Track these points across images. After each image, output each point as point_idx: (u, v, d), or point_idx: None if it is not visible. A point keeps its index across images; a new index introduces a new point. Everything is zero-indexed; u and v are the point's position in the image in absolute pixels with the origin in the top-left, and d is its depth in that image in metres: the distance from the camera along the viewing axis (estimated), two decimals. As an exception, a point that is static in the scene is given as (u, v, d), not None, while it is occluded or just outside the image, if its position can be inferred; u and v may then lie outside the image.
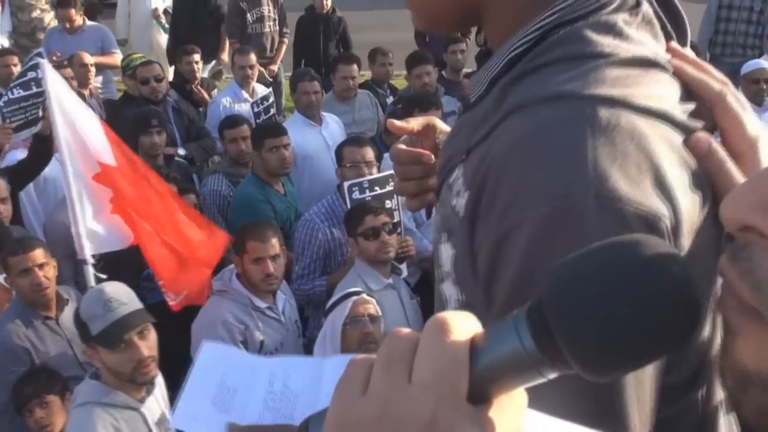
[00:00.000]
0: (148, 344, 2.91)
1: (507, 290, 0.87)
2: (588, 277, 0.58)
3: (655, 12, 1.00)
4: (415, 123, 1.30)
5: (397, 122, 1.30)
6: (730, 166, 0.89)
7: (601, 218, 0.82)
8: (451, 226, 0.99)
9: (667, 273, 0.57)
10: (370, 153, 4.57)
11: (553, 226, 0.83)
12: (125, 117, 5.60)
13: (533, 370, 0.59)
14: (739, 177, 0.88)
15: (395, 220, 4.27)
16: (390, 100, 6.71)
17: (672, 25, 1.01)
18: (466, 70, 6.98)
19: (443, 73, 6.97)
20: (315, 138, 5.66)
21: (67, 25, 7.51)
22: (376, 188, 4.29)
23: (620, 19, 0.94)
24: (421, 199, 1.30)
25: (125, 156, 3.96)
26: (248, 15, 8.08)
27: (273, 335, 3.72)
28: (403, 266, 4.26)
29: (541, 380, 0.59)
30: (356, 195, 4.25)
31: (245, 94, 6.43)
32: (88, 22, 7.72)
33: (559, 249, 0.72)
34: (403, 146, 1.29)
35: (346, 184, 4.23)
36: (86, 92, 6.34)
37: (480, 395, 0.59)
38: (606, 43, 0.92)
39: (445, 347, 0.58)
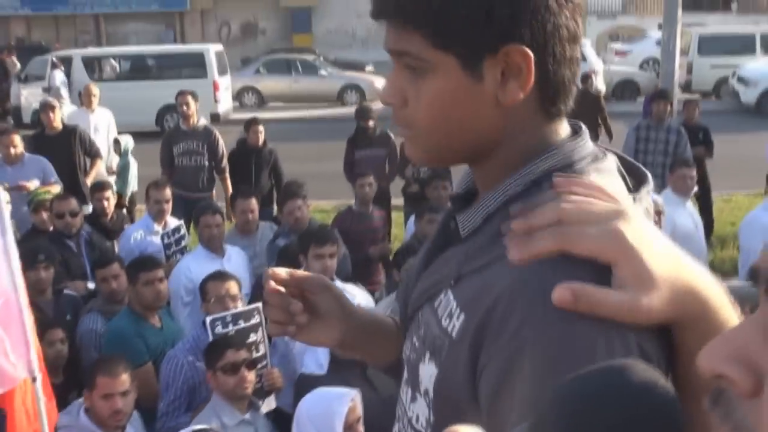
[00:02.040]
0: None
1: (519, 406, 0.94)
2: (585, 397, 0.70)
3: (618, 167, 1.15)
4: (297, 277, 1.34)
5: (279, 274, 1.32)
6: (602, 296, 0.95)
7: (607, 340, 0.94)
8: (437, 346, 1.09)
9: (650, 395, 0.70)
10: (234, 287, 4.63)
11: (565, 344, 0.93)
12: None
13: None
14: (615, 297, 0.95)
15: (260, 353, 4.29)
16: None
17: (631, 176, 1.16)
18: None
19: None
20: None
21: (11, 152, 7.49)
22: (240, 322, 4.31)
23: (592, 169, 1.10)
24: (284, 329, 1.33)
25: None
26: (174, 148, 8.31)
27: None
28: (271, 398, 4.26)
29: None
30: (219, 329, 4.25)
31: (157, 227, 6.51)
32: (27, 154, 7.81)
33: (566, 365, 0.87)
34: (273, 285, 1.30)
35: (208, 319, 4.24)
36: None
37: None
38: None
39: None
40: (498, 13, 1.06)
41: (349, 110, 18.47)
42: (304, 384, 4.26)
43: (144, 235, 6.43)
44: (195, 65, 18.95)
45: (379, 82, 23.03)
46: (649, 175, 1.18)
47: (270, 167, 8.70)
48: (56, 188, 7.46)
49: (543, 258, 0.98)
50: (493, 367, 0.99)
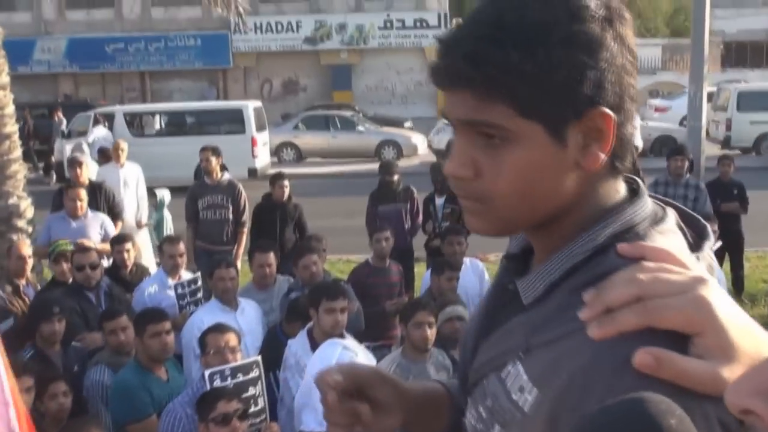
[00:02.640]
0: None
1: None
2: (604, 425, 0.81)
3: (678, 222, 1.13)
4: (353, 374, 1.27)
5: (334, 379, 1.24)
6: (686, 365, 0.94)
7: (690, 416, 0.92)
8: (506, 419, 1.08)
9: (666, 422, 0.79)
10: (233, 339, 4.63)
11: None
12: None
13: None
14: (698, 365, 0.94)
15: (258, 407, 4.26)
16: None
17: (690, 228, 1.15)
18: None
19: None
20: (229, 324, 5.74)
21: (77, 205, 7.53)
22: (239, 375, 4.31)
23: (655, 231, 1.08)
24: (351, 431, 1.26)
25: None
26: (199, 201, 8.43)
27: None
28: None
29: None
30: (218, 382, 4.25)
31: (171, 281, 6.52)
32: (90, 210, 7.86)
33: None
34: (333, 397, 1.23)
35: (207, 372, 4.25)
36: (22, 282, 6.53)
37: None
38: None
39: None
40: (588, 77, 1.04)
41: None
42: None
43: (158, 289, 6.46)
44: (234, 121, 19.33)
45: (417, 138, 23.22)
46: (709, 228, 1.16)
47: (294, 222, 8.77)
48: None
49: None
50: None
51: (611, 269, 1.03)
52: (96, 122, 18.85)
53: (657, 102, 27.55)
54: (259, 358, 4.59)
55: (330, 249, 7.84)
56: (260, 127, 19.71)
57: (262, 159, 19.75)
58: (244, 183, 9.25)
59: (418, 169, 19.72)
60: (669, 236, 1.08)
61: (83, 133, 18.81)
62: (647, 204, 1.12)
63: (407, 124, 26.90)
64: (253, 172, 18.60)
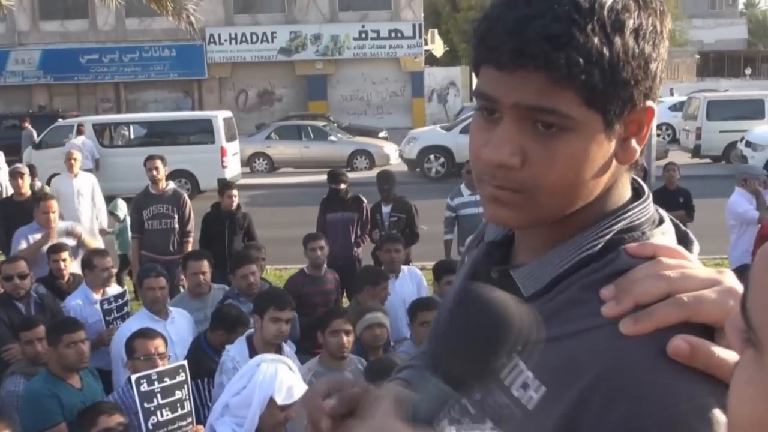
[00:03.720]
0: None
1: None
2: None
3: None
4: (337, 401, 1.13)
5: (323, 405, 1.12)
6: (719, 354, 0.94)
7: (722, 412, 0.90)
8: (503, 415, 1.04)
9: (489, 310, 0.93)
10: (161, 345, 4.62)
11: (682, 427, 0.91)
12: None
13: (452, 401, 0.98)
14: (732, 356, 0.92)
15: (185, 410, 4.29)
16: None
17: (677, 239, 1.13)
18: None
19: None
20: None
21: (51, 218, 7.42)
22: (166, 380, 4.31)
23: (658, 231, 1.08)
24: None
25: None
26: (144, 212, 8.39)
27: None
28: None
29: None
30: (144, 387, 4.24)
31: (95, 296, 6.39)
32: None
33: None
34: (329, 426, 1.11)
35: (133, 377, 4.23)
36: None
37: None
38: None
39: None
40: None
41: (358, 175, 18.76)
42: None
43: (83, 305, 6.31)
44: (203, 131, 19.28)
45: (389, 148, 23.26)
46: (691, 235, 1.15)
47: (244, 231, 8.75)
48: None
49: (639, 337, 0.95)
50: None
51: (627, 266, 1.01)
52: (79, 132, 18.73)
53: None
54: (184, 362, 4.59)
55: (301, 259, 7.87)
56: (230, 138, 19.66)
57: (232, 169, 19.69)
58: (214, 193, 9.19)
59: (389, 178, 19.86)
60: (669, 237, 1.09)
61: (54, 145, 18.65)
62: (650, 204, 1.11)
63: (382, 134, 26.94)
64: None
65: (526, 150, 1.03)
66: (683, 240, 1.12)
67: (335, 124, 26.62)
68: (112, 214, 10.20)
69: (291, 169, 23.31)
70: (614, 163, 1.07)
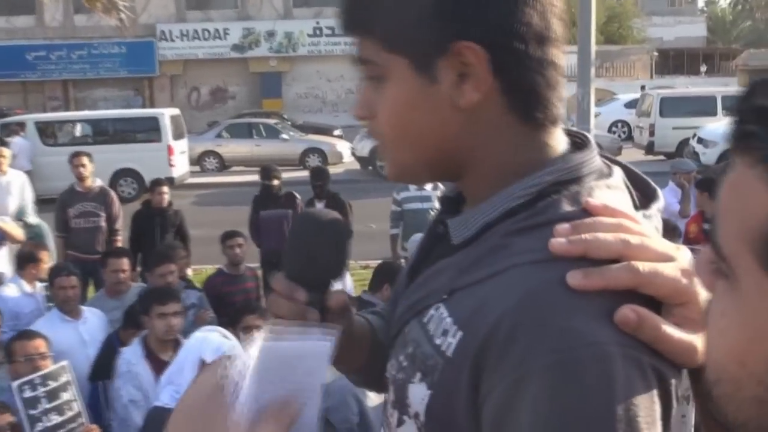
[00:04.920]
0: None
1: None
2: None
3: (624, 180, 1.11)
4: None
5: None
6: (667, 330, 0.93)
7: (624, 364, 0.88)
8: (429, 366, 1.01)
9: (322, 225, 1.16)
10: (43, 345, 4.54)
11: (578, 371, 0.88)
12: None
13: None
14: (678, 334, 0.93)
15: (74, 412, 4.21)
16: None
17: (638, 190, 1.12)
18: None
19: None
20: (70, 334, 5.60)
21: None
22: (50, 383, 4.23)
23: (603, 185, 1.05)
24: None
25: None
26: (70, 210, 8.26)
27: None
28: None
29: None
30: (28, 393, 4.15)
31: (29, 289, 6.35)
32: None
33: (584, 394, 0.86)
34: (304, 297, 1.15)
35: (14, 384, 4.13)
36: None
37: None
38: None
39: None
40: (446, 9, 1.02)
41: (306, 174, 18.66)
42: (155, 415, 4.13)
43: (18, 297, 6.24)
44: (150, 129, 19.09)
45: (342, 146, 23.22)
46: (659, 192, 1.14)
47: (176, 229, 8.64)
48: None
49: (555, 276, 0.93)
50: (495, 396, 0.92)
51: (559, 218, 0.99)
52: (13, 132, 18.43)
53: (587, 109, 27.88)
54: (66, 362, 4.50)
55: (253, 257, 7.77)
56: (178, 136, 19.49)
57: (180, 168, 19.54)
58: None
59: (343, 176, 19.74)
60: (616, 192, 1.06)
61: (-6, 143, 18.34)
62: (595, 157, 1.08)
63: (337, 132, 26.90)
64: (170, 181, 18.33)
65: (371, 102, 1.10)
66: (644, 191, 1.12)
67: (288, 122, 26.50)
68: (20, 220, 10.01)
69: (242, 168, 23.15)
70: (461, 111, 1.05)
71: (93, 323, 5.82)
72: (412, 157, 1.10)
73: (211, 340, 3.92)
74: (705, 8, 69.74)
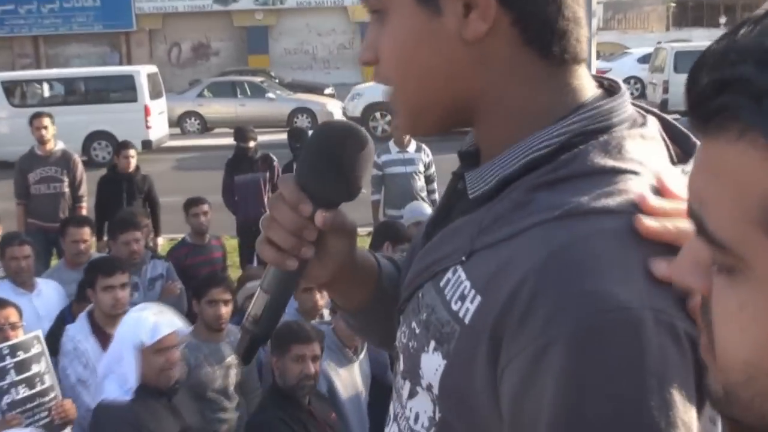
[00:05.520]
0: None
1: (553, 407, 0.86)
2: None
3: (660, 132, 1.07)
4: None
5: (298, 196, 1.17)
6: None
7: (657, 331, 0.85)
8: (444, 333, 0.99)
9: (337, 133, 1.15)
10: (13, 315, 4.52)
11: (606, 338, 0.85)
12: None
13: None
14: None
15: (46, 385, 4.21)
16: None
17: (676, 144, 1.07)
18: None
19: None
20: (23, 308, 5.55)
21: None
22: (20, 353, 4.22)
23: (636, 134, 1.01)
24: (284, 259, 1.15)
25: None
26: (30, 175, 8.21)
27: None
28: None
29: None
30: (-5, 364, 4.16)
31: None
32: None
33: (613, 362, 0.84)
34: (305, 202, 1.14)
35: (-21, 355, 4.14)
36: None
37: None
38: (637, 159, 0.99)
39: None
40: None
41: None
42: (104, 413, 4.14)
43: None
44: (125, 89, 18.95)
45: (333, 105, 23.09)
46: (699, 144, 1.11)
47: (144, 195, 8.59)
48: None
49: (582, 233, 0.91)
50: (515, 367, 0.89)
51: (586, 171, 0.96)
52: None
53: (597, 63, 27.73)
54: (39, 332, 4.49)
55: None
56: (156, 95, 19.38)
57: (158, 130, 19.44)
58: (138, 156, 9.03)
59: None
60: (651, 143, 1.03)
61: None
62: (627, 104, 1.05)
63: (328, 90, 26.75)
64: (147, 144, 18.32)
65: (376, 45, 1.09)
66: (683, 145, 1.08)
67: (276, 80, 26.35)
68: None
69: (225, 130, 23.04)
70: (468, 46, 1.03)
71: (48, 296, 5.81)
72: (421, 102, 1.07)
73: (145, 319, 3.87)
74: (727, -45, 69.12)
